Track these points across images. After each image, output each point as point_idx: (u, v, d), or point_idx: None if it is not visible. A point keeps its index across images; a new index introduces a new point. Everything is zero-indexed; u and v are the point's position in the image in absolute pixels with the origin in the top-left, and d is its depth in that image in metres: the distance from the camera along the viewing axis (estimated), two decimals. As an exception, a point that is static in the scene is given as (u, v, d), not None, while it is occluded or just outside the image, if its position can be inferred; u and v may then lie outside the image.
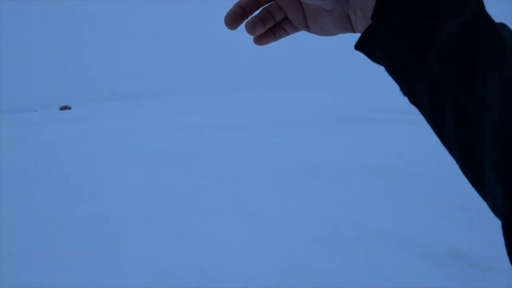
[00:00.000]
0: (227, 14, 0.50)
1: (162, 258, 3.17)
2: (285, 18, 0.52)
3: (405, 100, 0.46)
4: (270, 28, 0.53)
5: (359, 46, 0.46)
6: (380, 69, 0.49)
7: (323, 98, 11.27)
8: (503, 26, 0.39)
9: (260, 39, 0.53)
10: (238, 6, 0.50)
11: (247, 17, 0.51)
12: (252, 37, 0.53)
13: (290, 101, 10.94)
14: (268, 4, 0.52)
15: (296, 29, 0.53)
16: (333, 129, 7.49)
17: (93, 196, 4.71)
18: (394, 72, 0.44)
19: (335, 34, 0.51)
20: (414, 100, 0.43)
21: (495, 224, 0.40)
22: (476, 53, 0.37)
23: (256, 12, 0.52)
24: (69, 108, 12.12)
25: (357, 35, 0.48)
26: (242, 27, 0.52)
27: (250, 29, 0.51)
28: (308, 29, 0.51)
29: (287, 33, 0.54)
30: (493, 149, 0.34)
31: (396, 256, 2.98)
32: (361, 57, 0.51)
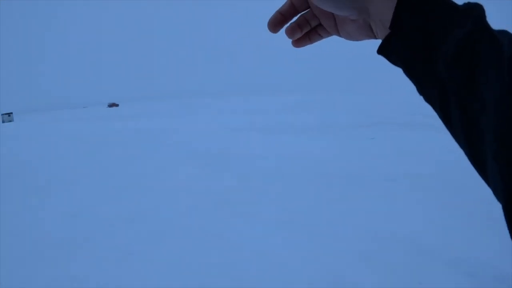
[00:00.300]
0: (269, 20, 0.56)
1: (195, 259, 3.22)
2: (319, 24, 0.59)
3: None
4: (306, 33, 0.60)
5: (380, 51, 0.52)
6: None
7: (360, 101, 11.08)
8: (504, 33, 0.43)
9: (298, 42, 0.60)
10: (279, 13, 0.56)
11: (287, 23, 0.57)
12: (290, 40, 0.60)
13: (326, 104, 10.83)
14: (304, 12, 0.59)
15: (328, 34, 0.59)
16: (374, 134, 7.37)
17: (132, 195, 4.80)
18: (407, 74, 0.49)
19: (360, 40, 0.57)
20: (427, 99, 0.49)
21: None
22: (478, 59, 0.42)
23: (295, 19, 0.58)
24: (117, 105, 12.48)
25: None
26: (279, 32, 0.58)
27: (290, 33, 0.58)
28: (338, 34, 0.58)
29: (321, 37, 0.60)
30: (492, 145, 0.39)
31: (443, 276, 2.90)
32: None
